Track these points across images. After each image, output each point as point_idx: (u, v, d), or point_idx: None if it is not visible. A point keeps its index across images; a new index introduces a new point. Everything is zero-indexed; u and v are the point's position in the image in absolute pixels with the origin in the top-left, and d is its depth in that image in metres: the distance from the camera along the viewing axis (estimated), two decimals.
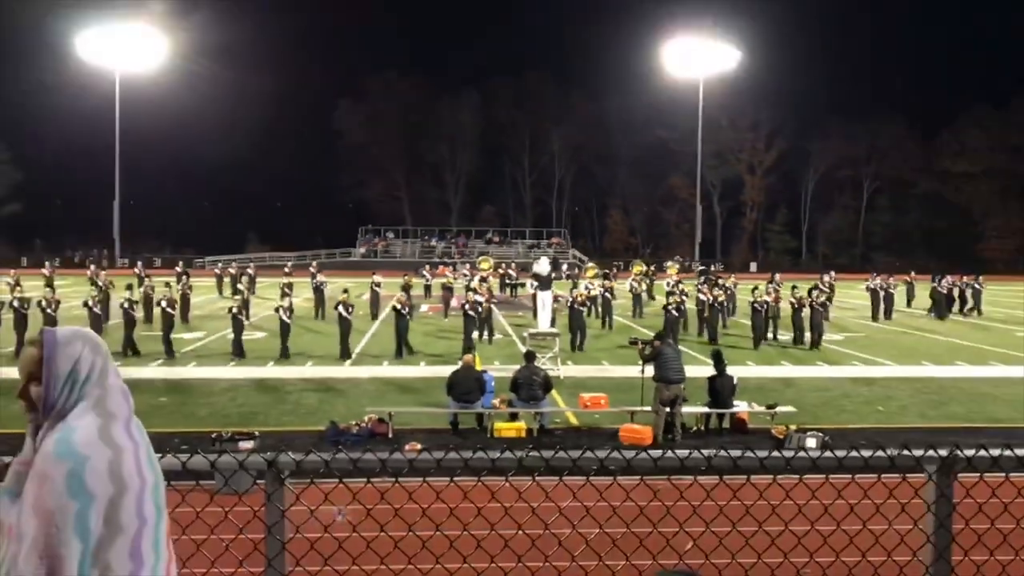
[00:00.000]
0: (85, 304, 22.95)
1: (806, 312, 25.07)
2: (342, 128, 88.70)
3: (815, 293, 25.52)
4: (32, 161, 78.98)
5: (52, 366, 2.21)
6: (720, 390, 14.37)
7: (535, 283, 26.88)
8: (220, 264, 43.01)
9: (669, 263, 44.20)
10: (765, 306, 25.06)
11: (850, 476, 2.57)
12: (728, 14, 73.56)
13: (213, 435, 11.88)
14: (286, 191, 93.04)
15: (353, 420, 13.90)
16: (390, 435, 13.37)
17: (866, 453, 2.45)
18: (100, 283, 29.40)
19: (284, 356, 21.37)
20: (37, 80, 74.01)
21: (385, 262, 68.34)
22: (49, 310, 22.23)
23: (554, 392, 15.20)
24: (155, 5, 66.64)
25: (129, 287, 24.00)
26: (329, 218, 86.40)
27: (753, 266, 74.86)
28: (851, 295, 39.61)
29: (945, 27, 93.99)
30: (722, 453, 2.42)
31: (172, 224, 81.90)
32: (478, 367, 15.63)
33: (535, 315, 26.99)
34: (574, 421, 14.82)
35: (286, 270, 38.93)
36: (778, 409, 14.58)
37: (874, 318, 32.45)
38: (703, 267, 59.21)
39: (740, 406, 14.58)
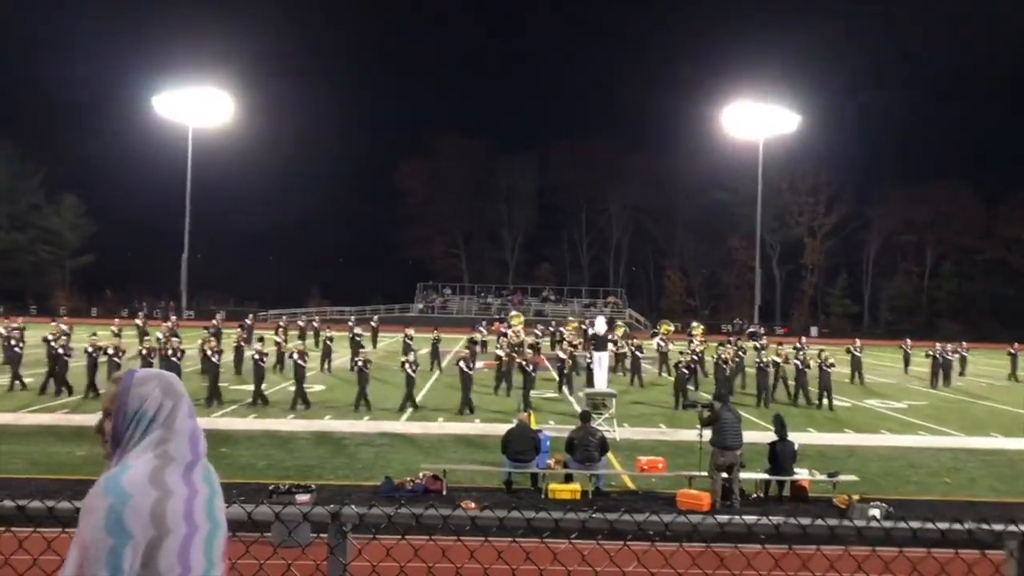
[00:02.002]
0: (201, 351, 23.45)
1: (813, 373, 25.51)
2: (404, 187, 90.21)
3: (824, 355, 25.76)
4: (106, 214, 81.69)
5: (122, 403, 2.24)
6: (781, 456, 14.01)
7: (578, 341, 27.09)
8: (284, 317, 43.65)
9: (694, 323, 44.35)
10: (770, 366, 25.84)
11: (925, 550, 2.47)
12: (788, 78, 73.73)
13: (271, 487, 11.94)
14: (348, 247, 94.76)
15: (408, 476, 13.87)
16: (444, 492, 13.29)
17: (942, 525, 2.36)
18: (160, 335, 30.07)
19: (403, 408, 21.91)
20: (114, 136, 76.94)
21: (442, 318, 68.72)
22: (175, 359, 22.77)
23: (610, 454, 14.99)
24: (227, 67, 69.18)
25: (261, 339, 24.74)
26: (389, 274, 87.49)
27: (814, 330, 73.45)
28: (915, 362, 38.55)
29: (1009, 91, 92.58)
30: (791, 520, 2.36)
31: (237, 278, 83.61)
32: (533, 425, 15.53)
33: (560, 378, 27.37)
34: (630, 484, 14.56)
35: (349, 324, 39.50)
36: (840, 477, 14.18)
37: (932, 385, 32.04)
38: (752, 330, 58.64)
39: (801, 473, 14.20)
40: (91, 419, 19.37)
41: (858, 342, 34.24)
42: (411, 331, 32.41)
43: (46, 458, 15.04)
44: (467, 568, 2.77)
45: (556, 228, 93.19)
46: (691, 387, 27.64)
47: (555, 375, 28.58)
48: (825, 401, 24.89)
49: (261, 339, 25.61)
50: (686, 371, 25.44)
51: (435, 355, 32.19)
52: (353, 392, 22.56)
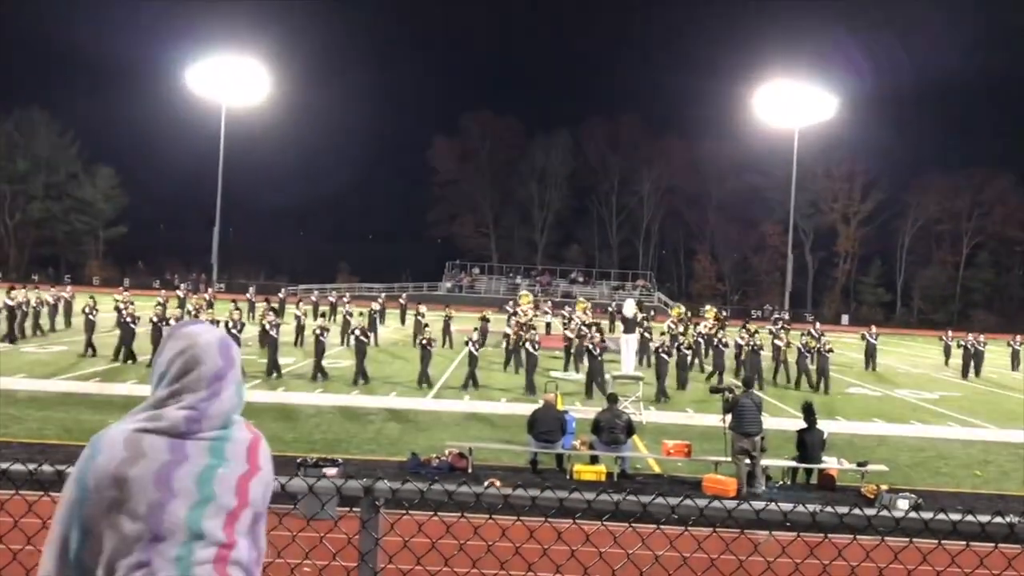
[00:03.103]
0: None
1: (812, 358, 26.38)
2: (435, 165, 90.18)
3: (823, 340, 26.57)
4: (140, 186, 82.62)
5: (157, 356, 2.19)
6: (809, 444, 13.93)
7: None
8: (316, 292, 43.95)
9: (707, 307, 44.59)
10: (762, 349, 26.64)
11: (964, 542, 2.43)
12: (826, 62, 72.71)
13: (299, 460, 12.05)
14: (378, 224, 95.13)
15: (434, 453, 13.95)
16: (470, 470, 13.36)
17: (983, 518, 2.32)
18: (190, 307, 30.61)
19: (474, 386, 22.32)
20: (149, 109, 77.57)
21: (470, 297, 68.87)
22: (234, 331, 23.20)
23: (635, 437, 14.98)
24: (262, 42, 69.40)
25: (323, 315, 25.17)
26: (418, 252, 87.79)
27: (845, 318, 72.78)
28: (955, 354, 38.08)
29: None
30: (828, 509, 2.33)
31: (267, 252, 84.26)
32: (559, 406, 15.54)
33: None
34: (656, 468, 14.56)
35: (379, 300, 39.75)
36: (869, 467, 14.07)
37: (964, 375, 31.94)
38: (777, 315, 58.80)
39: (829, 462, 14.11)
40: (121, 388, 19.70)
41: (873, 329, 34.70)
42: (423, 308, 33.03)
43: (77, 425, 15.29)
44: (497, 547, 2.77)
45: (587, 209, 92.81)
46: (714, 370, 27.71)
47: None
48: (822, 385, 25.59)
49: (323, 314, 26.31)
50: (688, 351, 26.06)
51: (447, 332, 32.64)
52: (376, 368, 22.80)
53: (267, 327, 23.14)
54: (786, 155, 70.39)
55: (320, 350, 22.80)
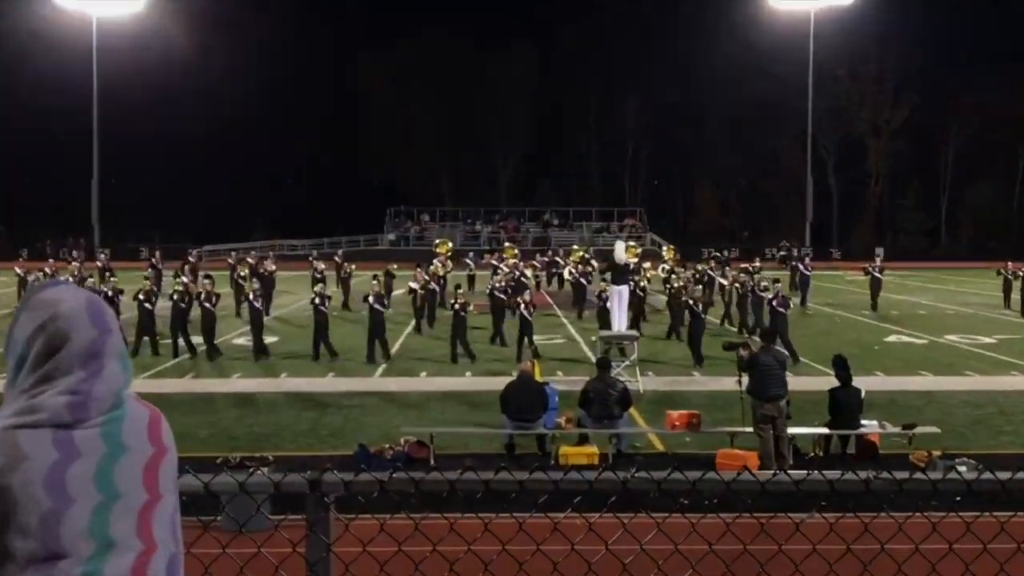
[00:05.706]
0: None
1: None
2: (365, 89, 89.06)
3: (758, 279, 29.25)
4: None
5: (10, 332, 2.09)
6: (844, 405, 14.09)
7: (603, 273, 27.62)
8: (234, 254, 43.30)
9: (665, 247, 46.15)
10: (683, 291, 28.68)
11: None
12: None
13: (219, 460, 12.01)
14: (298, 167, 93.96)
15: (387, 443, 13.94)
16: (432, 461, 13.39)
17: None
18: (72, 276, 30.21)
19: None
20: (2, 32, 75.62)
21: (419, 250, 68.66)
22: (208, 304, 23.18)
23: (633, 409, 15.10)
24: None
25: (322, 281, 25.87)
26: (351, 199, 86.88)
27: (879, 251, 73.54)
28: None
29: None
30: (884, 475, 2.34)
31: (161, 207, 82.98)
32: (538, 377, 15.61)
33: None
34: (659, 445, 14.69)
35: (311, 259, 39.65)
36: (917, 430, 14.30)
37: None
38: (784, 253, 60.13)
39: (869, 426, 14.31)
40: None
41: (877, 261, 36.60)
42: (320, 264, 34.02)
43: None
44: (478, 548, 2.77)
45: (559, 136, 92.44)
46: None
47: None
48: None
49: (322, 280, 26.84)
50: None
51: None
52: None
53: (251, 297, 23.13)
54: (801, 54, 70.44)
55: (379, 326, 22.84)
